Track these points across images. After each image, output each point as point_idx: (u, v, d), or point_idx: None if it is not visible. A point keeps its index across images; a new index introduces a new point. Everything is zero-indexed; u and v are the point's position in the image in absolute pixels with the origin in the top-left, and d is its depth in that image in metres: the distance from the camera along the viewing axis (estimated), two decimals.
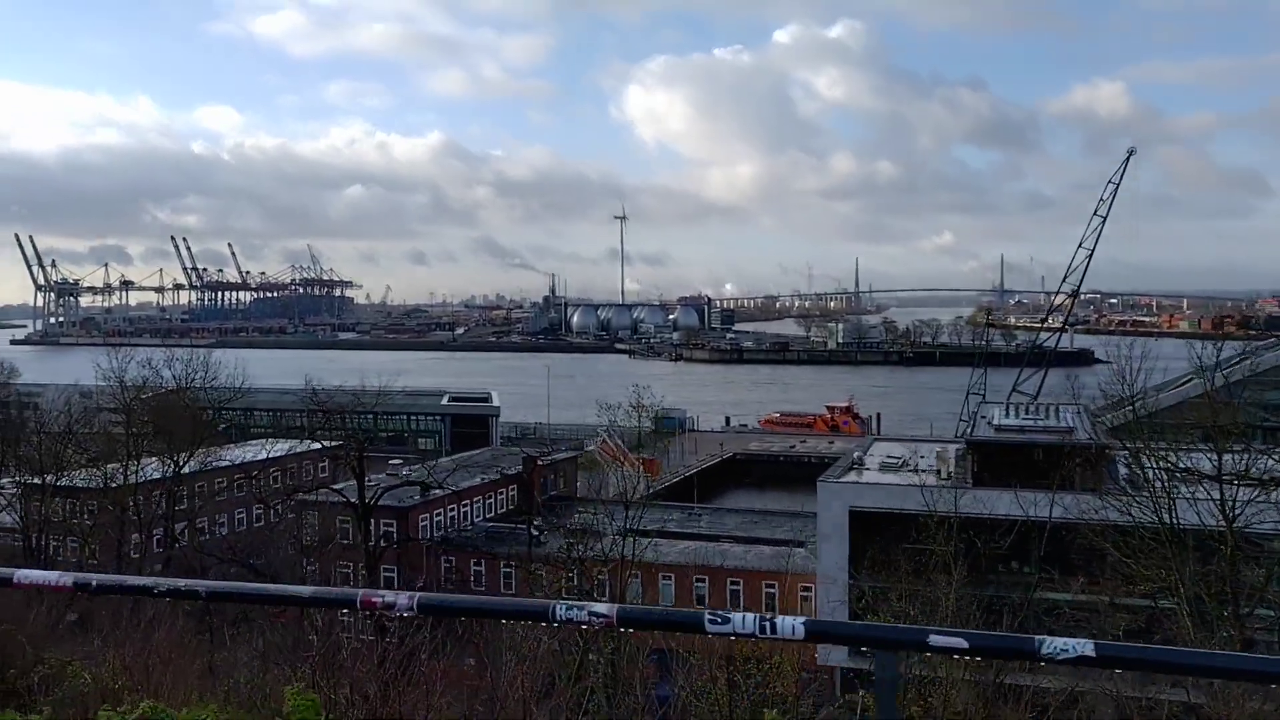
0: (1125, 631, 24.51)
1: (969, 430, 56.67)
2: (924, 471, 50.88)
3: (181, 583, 4.24)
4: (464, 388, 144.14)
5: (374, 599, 3.95)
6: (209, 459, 52.92)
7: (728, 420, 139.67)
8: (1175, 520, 25.12)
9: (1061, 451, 44.43)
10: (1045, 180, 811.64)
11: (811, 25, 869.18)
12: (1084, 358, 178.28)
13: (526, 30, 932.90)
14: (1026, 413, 55.63)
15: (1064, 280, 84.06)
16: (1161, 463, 27.28)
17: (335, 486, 53.15)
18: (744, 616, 3.87)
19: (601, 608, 3.86)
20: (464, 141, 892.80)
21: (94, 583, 4.58)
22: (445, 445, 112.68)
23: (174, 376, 50.43)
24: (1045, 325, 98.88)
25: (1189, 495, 26.51)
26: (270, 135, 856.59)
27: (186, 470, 47.34)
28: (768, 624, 3.86)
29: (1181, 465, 27.79)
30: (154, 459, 46.63)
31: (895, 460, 52.45)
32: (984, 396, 76.83)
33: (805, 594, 51.13)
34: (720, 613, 3.90)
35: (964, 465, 48.34)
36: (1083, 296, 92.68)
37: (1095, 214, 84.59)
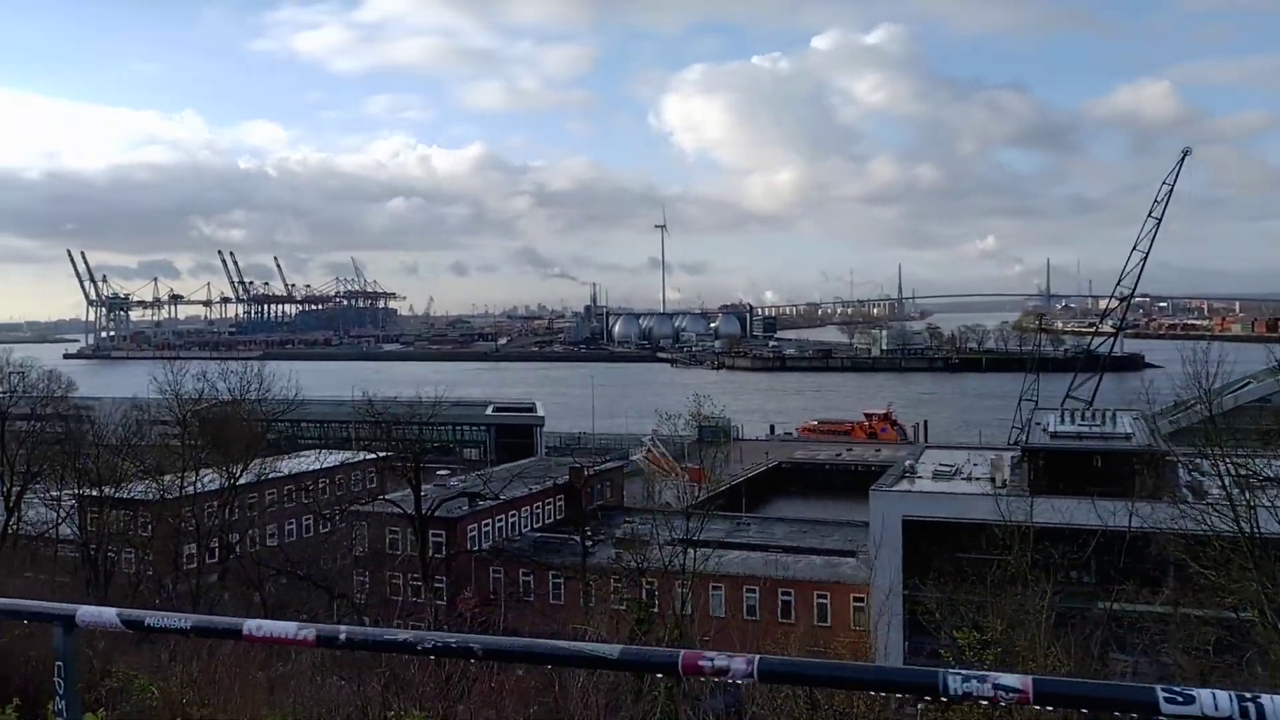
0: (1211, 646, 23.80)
1: (1024, 438, 55.65)
2: (977, 480, 50.10)
3: (452, 638, 3.42)
4: (508, 398, 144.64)
5: (701, 662, 3.15)
6: (262, 470, 53.35)
7: (772, 428, 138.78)
8: (1256, 529, 24.32)
9: (1123, 459, 43.41)
10: (1090, 183, 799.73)
11: (850, 31, 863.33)
12: (1134, 362, 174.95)
13: (565, 41, 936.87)
14: (1082, 419, 54.54)
15: (1118, 283, 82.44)
16: (1240, 469, 26.41)
17: (389, 497, 53.28)
18: (1213, 695, 2.64)
19: (1012, 680, 2.83)
20: (504, 153, 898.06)
21: (342, 636, 3.68)
22: (490, 455, 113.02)
23: (229, 389, 51.00)
24: (1098, 330, 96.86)
25: (1270, 503, 25.64)
26: (314, 150, 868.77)
27: (242, 481, 47.69)
28: (1250, 706, 2.61)
29: (1264, 473, 26.88)
30: (210, 470, 47.09)
31: (948, 468, 51.68)
32: (1036, 403, 75.42)
33: (858, 605, 50.41)
34: (1180, 689, 2.67)
35: (1020, 473, 47.42)
36: (1135, 300, 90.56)
37: (1150, 215, 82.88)
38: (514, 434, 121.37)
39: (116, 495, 45.27)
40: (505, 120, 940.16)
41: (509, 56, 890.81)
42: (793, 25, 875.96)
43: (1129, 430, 49.13)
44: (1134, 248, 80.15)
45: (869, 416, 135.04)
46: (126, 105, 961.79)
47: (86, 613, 4.20)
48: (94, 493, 45.34)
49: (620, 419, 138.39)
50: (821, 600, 51.35)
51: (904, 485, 49.10)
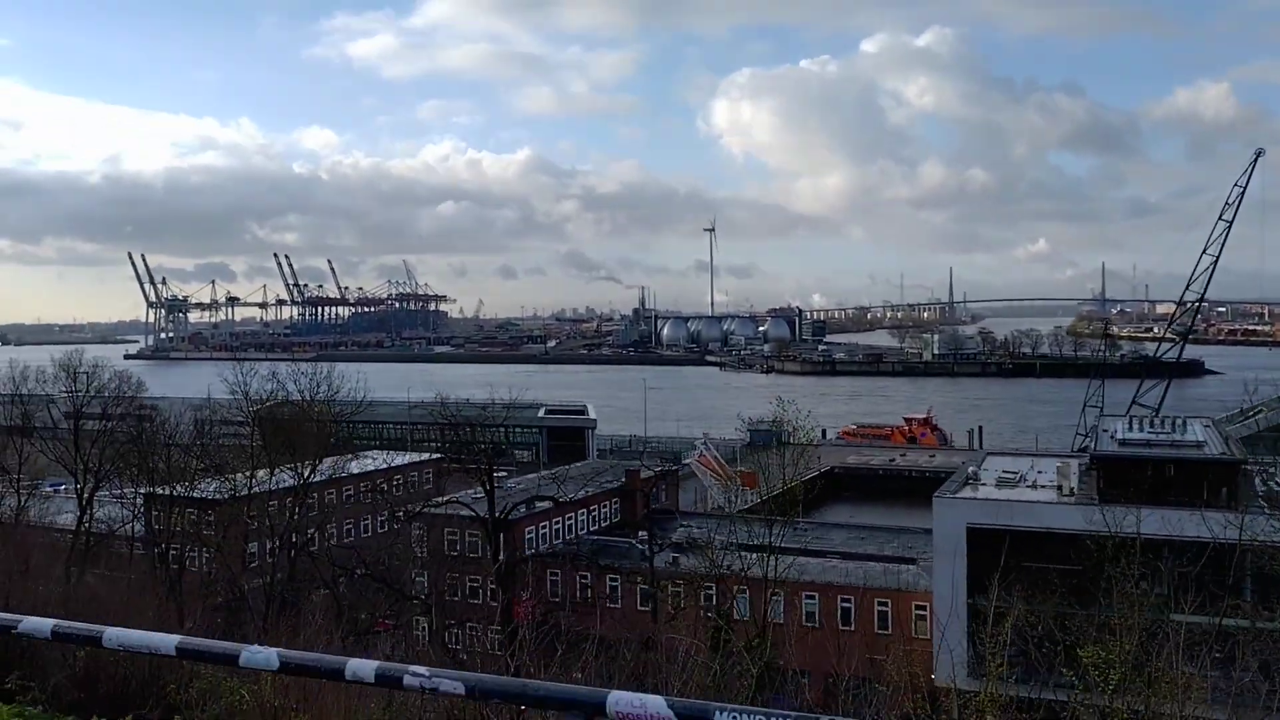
0: None
1: (1091, 445, 54.45)
2: (1043, 487, 49.08)
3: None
4: (557, 400, 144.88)
5: None
6: (335, 469, 53.98)
7: (824, 433, 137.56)
8: None
9: (1197, 468, 42.28)
10: (1147, 186, 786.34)
11: (900, 34, 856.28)
12: (1194, 368, 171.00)
13: (614, 47, 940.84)
14: (1150, 427, 53.25)
15: (1186, 288, 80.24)
16: None
17: (461, 499, 53.45)
18: None
19: None
20: (552, 157, 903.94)
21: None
22: (542, 458, 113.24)
23: (300, 390, 51.67)
24: (1165, 334, 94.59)
25: None
26: (366, 154, 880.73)
27: (312, 480, 48.17)
28: None
29: None
30: (278, 470, 47.61)
31: (1011, 475, 50.71)
32: (1101, 410, 73.83)
33: (920, 613, 49.64)
34: None
35: (1089, 481, 46.38)
36: (1203, 304, 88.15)
37: (1220, 219, 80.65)
38: (565, 436, 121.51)
39: (187, 495, 46.00)
40: (554, 125, 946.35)
41: (558, 62, 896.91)
42: (842, 28, 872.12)
43: (1201, 438, 47.90)
44: (1204, 251, 78.14)
45: (909, 421, 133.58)
46: (187, 112, 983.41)
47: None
48: (165, 491, 46.11)
49: (670, 422, 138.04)
50: (883, 608, 50.65)
51: (967, 492, 48.20)
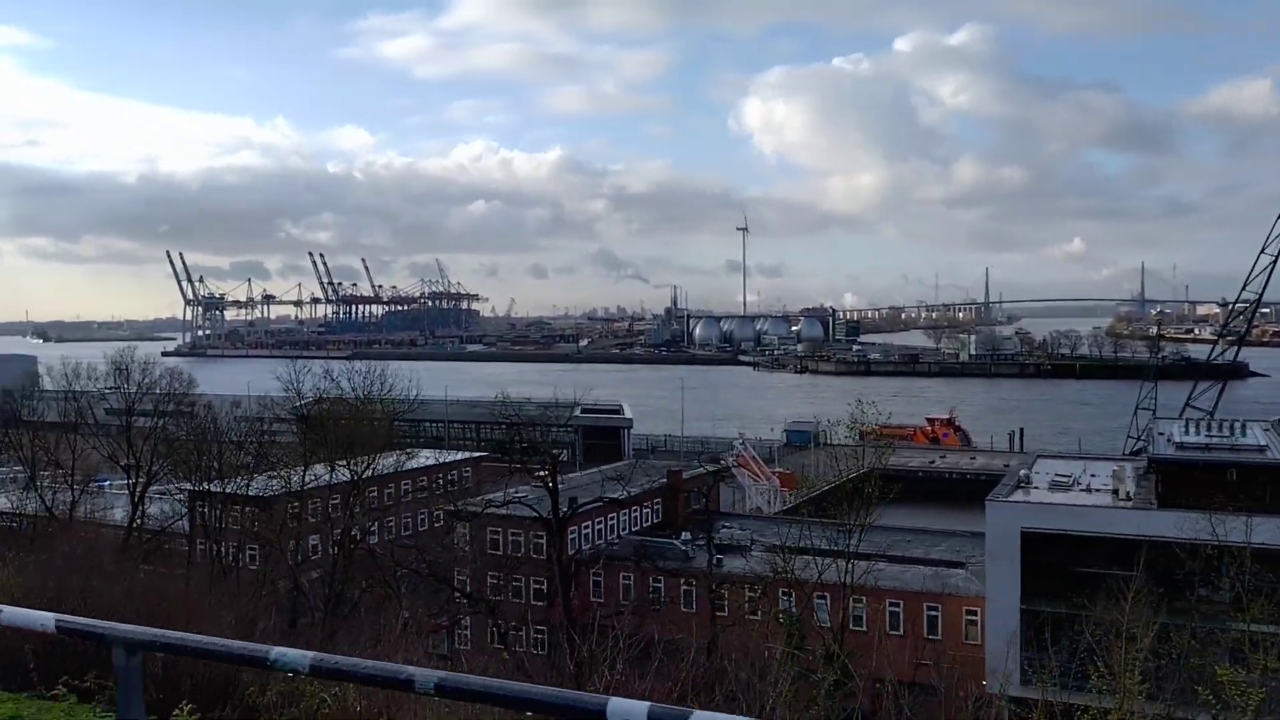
0: None
1: (1148, 448, 53.36)
2: (1097, 491, 48.14)
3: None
4: (592, 400, 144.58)
5: None
6: (393, 465, 54.12)
7: (861, 434, 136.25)
8: None
9: (1261, 473, 41.23)
10: (1185, 184, 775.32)
11: (934, 32, 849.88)
12: (1239, 370, 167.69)
13: (644, 46, 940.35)
14: (1207, 430, 52.07)
15: (1244, 287, 78.23)
16: None
17: (522, 498, 53.44)
18: None
19: None
20: (583, 156, 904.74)
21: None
22: (578, 457, 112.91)
23: (353, 388, 51.84)
24: (1223, 334, 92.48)
25: None
26: (398, 154, 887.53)
27: (366, 477, 48.27)
28: None
29: None
30: (332, 466, 47.72)
31: (1065, 478, 49.79)
32: (1155, 412, 72.38)
33: (970, 618, 48.86)
34: None
35: (1146, 485, 45.40)
36: (1237, 305, 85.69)
37: None
38: (601, 436, 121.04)
39: (240, 492, 46.15)
40: (585, 124, 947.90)
41: (589, 61, 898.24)
42: (874, 26, 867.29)
43: (1262, 442, 46.74)
44: (1262, 250, 75.96)
45: (931, 421, 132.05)
46: (223, 112, 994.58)
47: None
48: (217, 488, 46.30)
49: (706, 422, 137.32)
50: (932, 612, 49.89)
51: (1019, 495, 47.33)
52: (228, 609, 20.93)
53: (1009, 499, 46.11)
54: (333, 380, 51.64)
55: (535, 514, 50.88)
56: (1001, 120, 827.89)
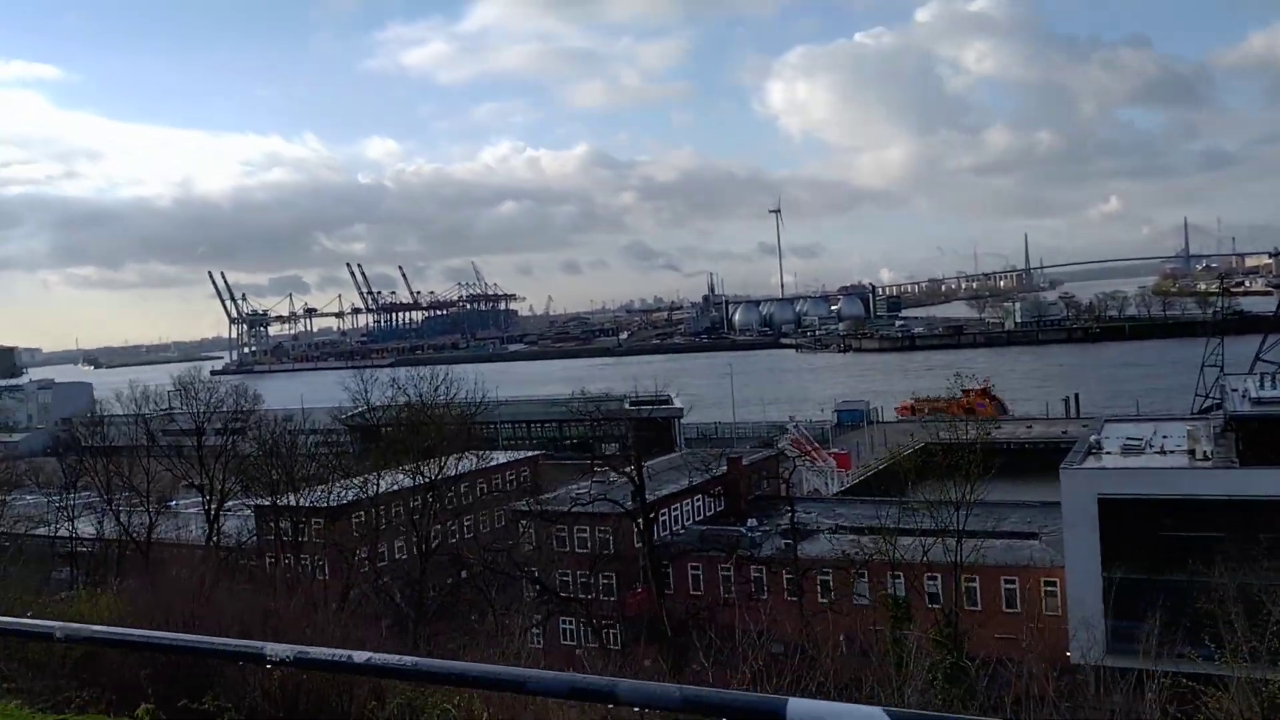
0: None
1: (1221, 405, 52.15)
2: (1171, 453, 47.13)
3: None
4: (640, 391, 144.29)
5: None
6: (471, 464, 54.45)
7: (913, 409, 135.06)
8: None
9: None
10: (1223, 136, 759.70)
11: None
12: None
13: (662, 35, 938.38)
14: None
15: None
16: None
17: (609, 496, 53.73)
18: None
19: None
20: (610, 149, 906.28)
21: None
22: (630, 451, 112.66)
23: (420, 393, 52.20)
24: None
25: None
26: (427, 160, 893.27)
27: (436, 480, 48.59)
28: None
29: None
30: (402, 472, 48.06)
31: (1137, 441, 48.83)
32: (1221, 369, 70.88)
33: (1049, 589, 48.12)
34: None
35: (1225, 443, 44.36)
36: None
37: None
38: (651, 427, 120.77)
39: (319, 505, 46.63)
40: (609, 117, 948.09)
41: (608, 54, 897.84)
42: None
43: None
44: None
45: (966, 392, 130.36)
46: (253, 131, 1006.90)
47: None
48: (293, 502, 46.78)
49: (755, 406, 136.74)
50: (1010, 585, 49.21)
51: (1092, 462, 46.46)
52: (331, 620, 21.12)
53: (1082, 466, 45.27)
54: (399, 388, 52.10)
55: (621, 507, 51.24)
56: (1030, 84, 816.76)
